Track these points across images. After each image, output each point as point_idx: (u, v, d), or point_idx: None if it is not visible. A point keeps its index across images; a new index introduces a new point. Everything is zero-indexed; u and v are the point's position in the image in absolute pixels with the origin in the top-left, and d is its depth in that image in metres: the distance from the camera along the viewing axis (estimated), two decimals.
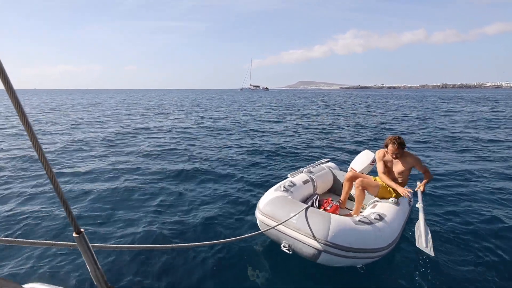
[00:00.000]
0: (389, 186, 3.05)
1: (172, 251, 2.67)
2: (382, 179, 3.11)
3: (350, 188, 3.36)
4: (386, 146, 3.04)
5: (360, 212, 3.10)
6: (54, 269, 2.42)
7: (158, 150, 7.18)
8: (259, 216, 2.69)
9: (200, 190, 4.42)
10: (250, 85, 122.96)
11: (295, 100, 36.97)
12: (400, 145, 2.94)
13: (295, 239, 2.36)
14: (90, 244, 0.70)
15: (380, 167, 3.19)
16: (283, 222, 2.37)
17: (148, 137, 9.19)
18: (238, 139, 8.96)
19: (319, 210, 2.57)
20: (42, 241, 0.79)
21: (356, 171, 3.54)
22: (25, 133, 0.54)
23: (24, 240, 0.77)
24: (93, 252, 0.70)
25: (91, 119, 14.57)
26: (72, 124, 12.28)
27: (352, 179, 3.30)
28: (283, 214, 2.48)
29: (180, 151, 7.19)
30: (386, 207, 2.75)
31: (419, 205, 2.79)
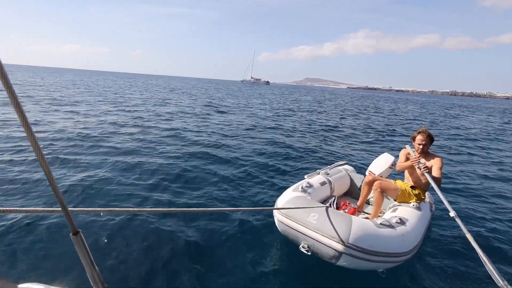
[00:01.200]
0: (406, 168, 3.01)
1: (175, 247, 2.62)
2: (400, 166, 3.05)
3: (368, 192, 3.26)
4: (413, 139, 2.98)
5: (379, 217, 3.01)
6: (50, 269, 2.38)
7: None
8: (277, 215, 2.62)
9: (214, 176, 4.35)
10: (252, 77, 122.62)
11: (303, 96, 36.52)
12: (429, 136, 2.89)
13: (315, 240, 2.29)
14: (87, 245, 0.68)
15: (402, 159, 3.13)
16: (304, 209, 2.33)
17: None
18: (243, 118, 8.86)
19: (339, 211, 2.49)
20: (29, 208, 0.80)
21: (374, 175, 3.44)
22: (23, 129, 0.52)
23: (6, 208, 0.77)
24: (90, 253, 0.69)
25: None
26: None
27: (371, 183, 3.20)
28: (302, 213, 2.42)
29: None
30: (407, 212, 2.68)
31: (452, 213, 2.40)
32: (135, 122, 9.03)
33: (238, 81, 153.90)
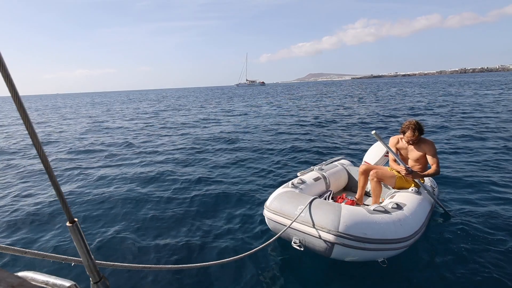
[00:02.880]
0: (395, 169, 2.92)
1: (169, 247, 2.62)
2: (392, 166, 2.97)
3: (365, 182, 3.16)
4: (403, 133, 2.84)
5: None
6: (47, 258, 2.40)
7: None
8: (266, 214, 2.57)
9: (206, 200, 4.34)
10: (247, 80, 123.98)
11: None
12: (420, 132, 2.74)
13: (305, 233, 2.20)
14: (83, 234, 0.69)
15: (391, 157, 3.03)
16: (295, 218, 2.23)
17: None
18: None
19: (327, 200, 2.40)
20: (51, 254, 0.82)
21: (370, 164, 3.35)
22: (22, 120, 0.55)
23: (34, 251, 0.78)
24: (86, 242, 0.69)
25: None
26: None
27: (367, 171, 3.11)
28: (290, 208, 2.34)
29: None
30: (405, 196, 2.57)
31: (423, 191, 2.81)
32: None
33: (234, 85, 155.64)
